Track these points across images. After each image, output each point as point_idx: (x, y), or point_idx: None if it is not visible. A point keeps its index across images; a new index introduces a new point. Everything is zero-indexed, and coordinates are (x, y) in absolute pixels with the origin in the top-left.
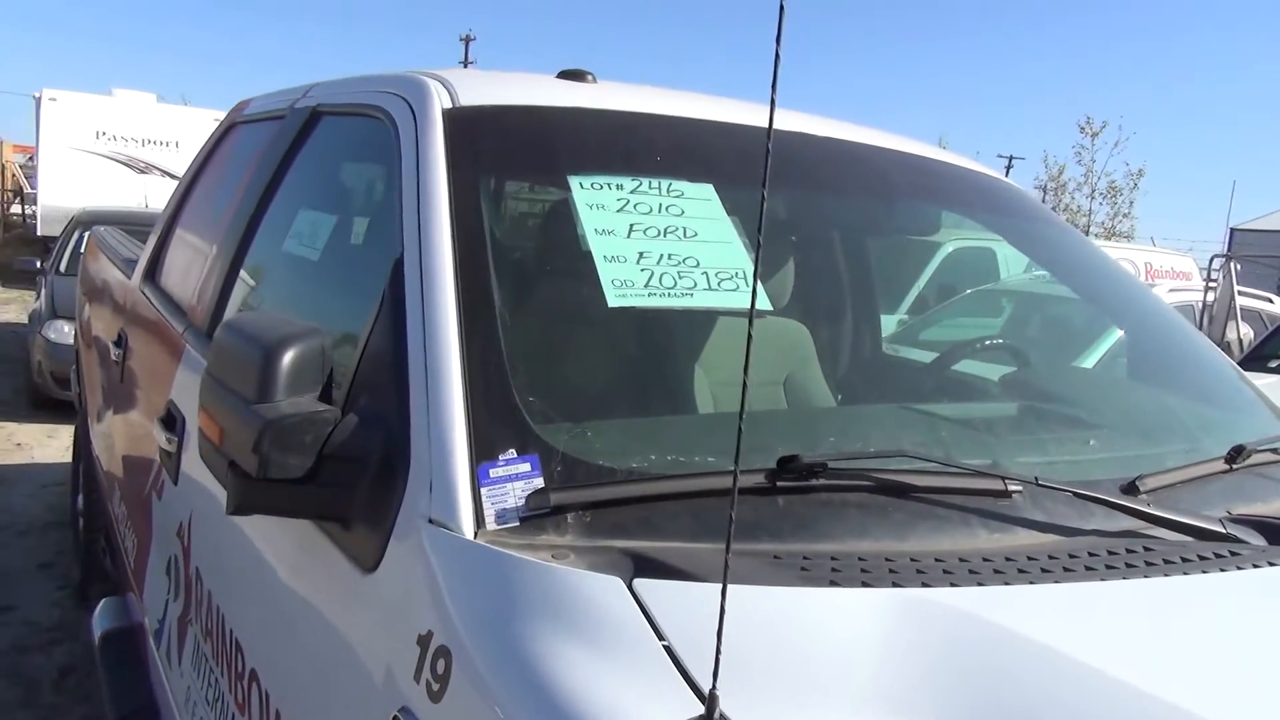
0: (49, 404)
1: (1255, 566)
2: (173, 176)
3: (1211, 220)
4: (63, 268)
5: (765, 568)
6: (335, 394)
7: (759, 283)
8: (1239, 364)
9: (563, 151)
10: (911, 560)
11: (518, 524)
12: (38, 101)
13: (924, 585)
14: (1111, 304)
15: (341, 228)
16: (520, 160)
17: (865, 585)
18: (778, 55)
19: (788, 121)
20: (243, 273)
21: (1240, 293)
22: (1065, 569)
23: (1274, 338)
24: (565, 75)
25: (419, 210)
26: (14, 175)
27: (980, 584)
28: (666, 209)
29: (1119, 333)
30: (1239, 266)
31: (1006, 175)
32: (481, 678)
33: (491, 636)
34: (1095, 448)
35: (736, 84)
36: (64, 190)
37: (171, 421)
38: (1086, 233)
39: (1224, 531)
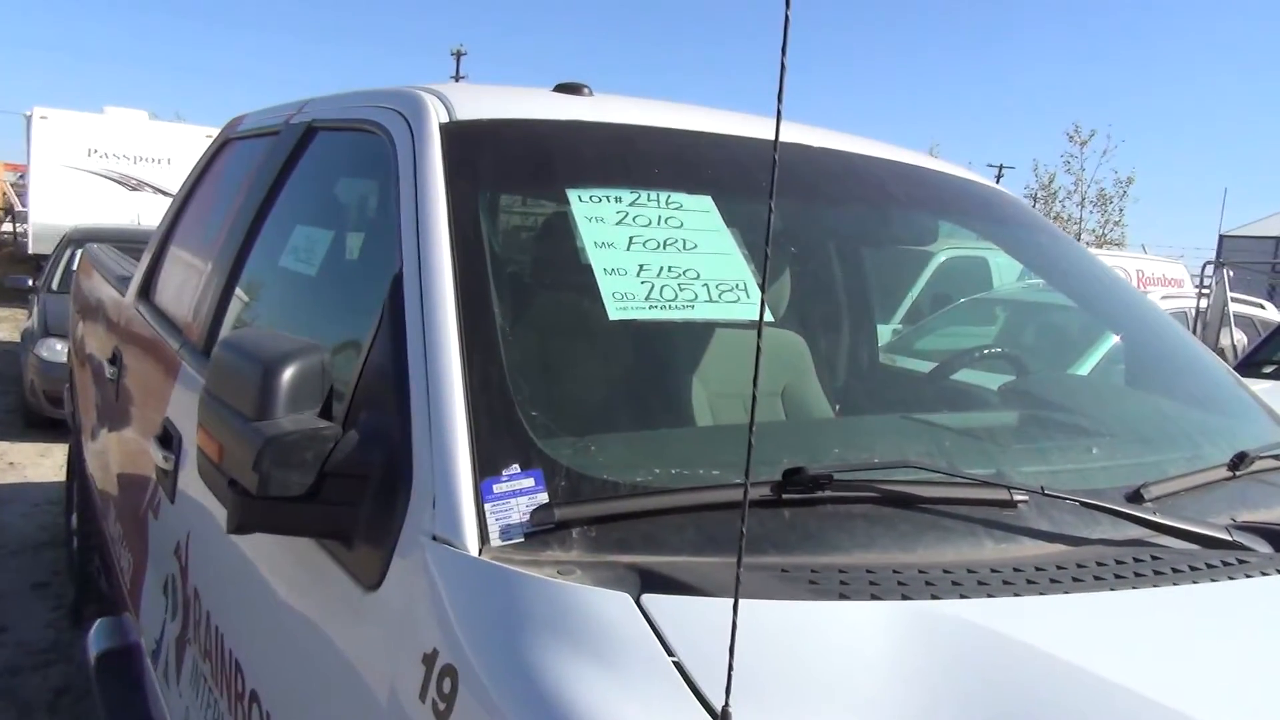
0: (42, 423)
1: (1264, 574)
2: (165, 193)
3: (1203, 227)
4: (55, 286)
5: (773, 581)
6: (335, 410)
7: (765, 294)
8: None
9: (560, 165)
10: (920, 572)
11: (522, 540)
12: (29, 120)
13: (933, 597)
14: (1108, 311)
15: (338, 243)
16: (518, 174)
17: (874, 598)
18: (783, 66)
19: (784, 133)
20: (239, 289)
21: (1233, 299)
22: (1074, 579)
23: (1268, 343)
24: (561, 89)
25: (418, 225)
26: (5, 193)
27: (989, 595)
28: (665, 221)
29: (1114, 339)
30: (1232, 273)
31: (997, 184)
32: (489, 696)
33: (498, 654)
34: (1098, 456)
35: (727, 96)
36: (56, 208)
37: (168, 439)
38: (1078, 241)
39: (1230, 539)
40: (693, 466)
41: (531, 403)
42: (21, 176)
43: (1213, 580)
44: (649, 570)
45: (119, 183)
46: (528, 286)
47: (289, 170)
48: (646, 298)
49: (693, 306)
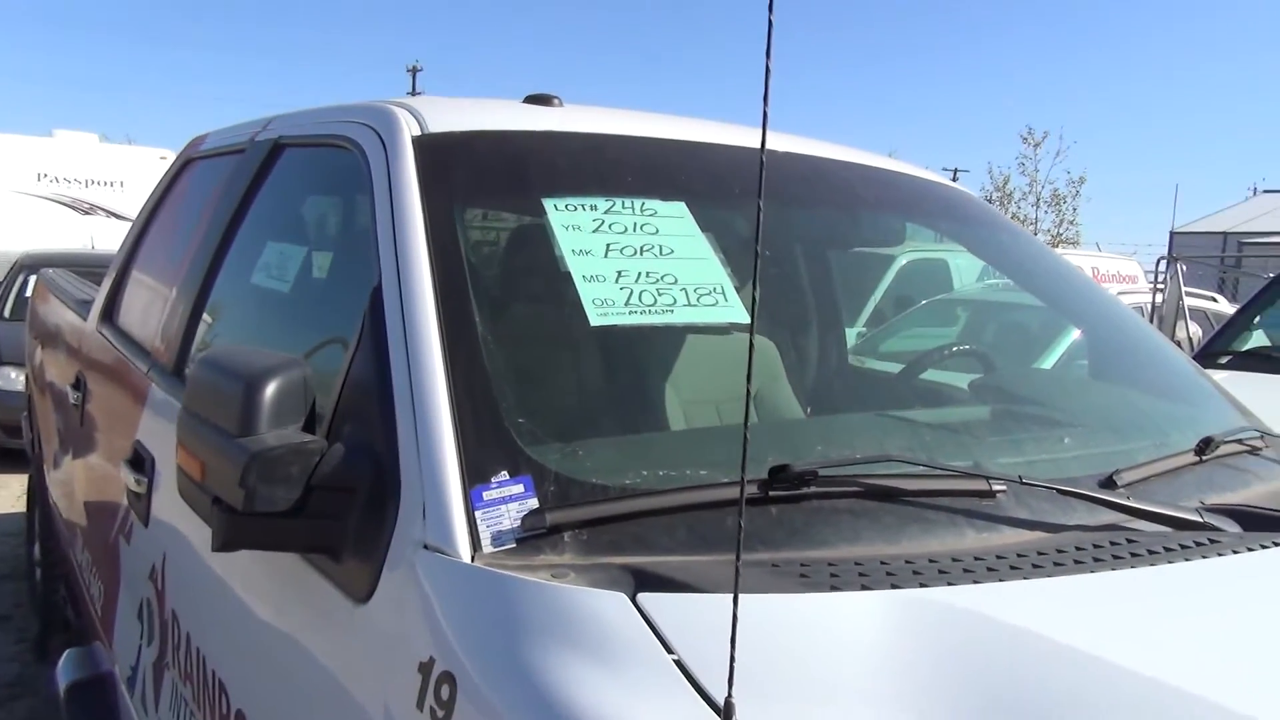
0: None
1: (1234, 553)
2: (119, 217)
3: (1155, 224)
4: (6, 313)
5: (765, 576)
6: (318, 425)
7: (741, 297)
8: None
9: (536, 175)
10: (906, 562)
11: (514, 545)
12: None
13: (921, 585)
14: (1071, 305)
15: (311, 259)
16: (494, 185)
17: (865, 589)
18: (768, 69)
19: (750, 139)
20: (209, 308)
21: (1187, 293)
22: (1055, 564)
23: (1222, 335)
24: (532, 100)
25: (395, 238)
26: None
27: (975, 581)
28: (641, 227)
29: (1075, 333)
30: (1185, 268)
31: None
32: (488, 702)
33: (496, 658)
34: (1070, 445)
35: (684, 104)
36: (5, 234)
37: (139, 462)
38: None
39: (1201, 521)
40: (680, 468)
41: (517, 410)
42: None
43: (1186, 560)
44: (643, 570)
45: (70, 207)
46: (509, 295)
47: (256, 188)
48: (626, 303)
49: (672, 311)
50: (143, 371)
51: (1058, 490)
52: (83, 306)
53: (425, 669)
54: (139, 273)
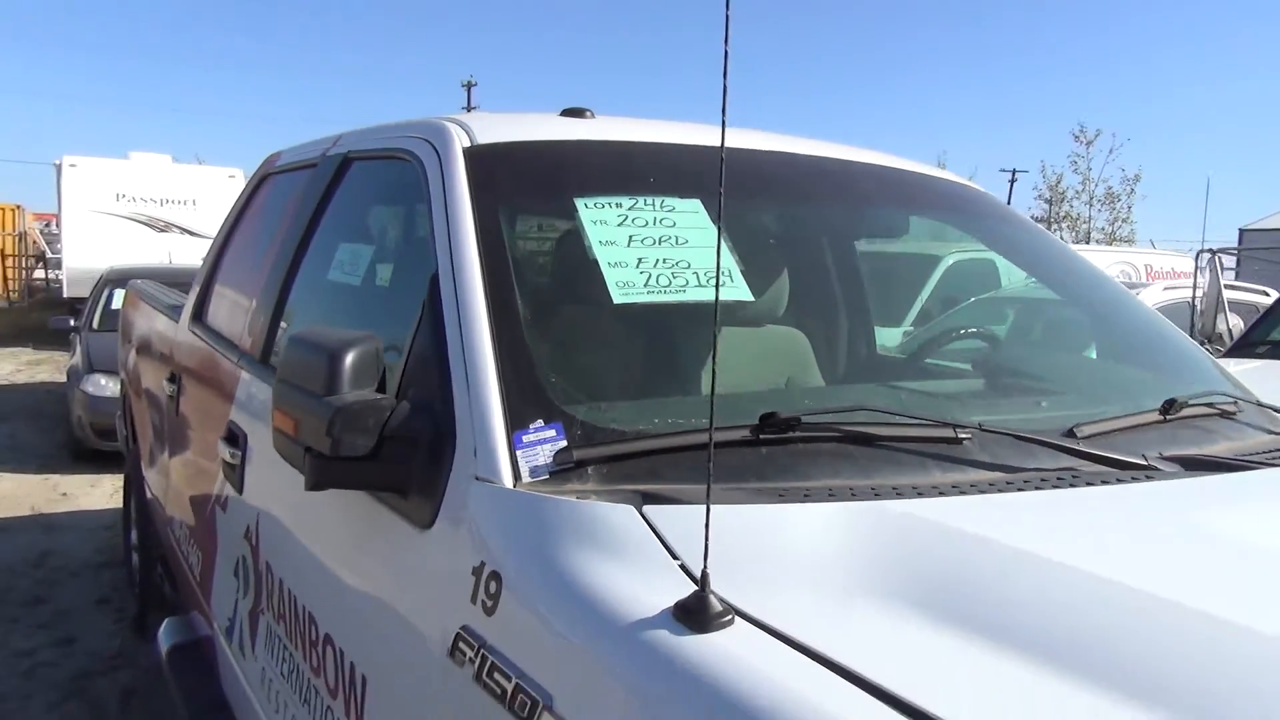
0: (89, 455)
1: (1169, 479)
2: (192, 233)
3: (1217, 222)
4: (95, 324)
5: (749, 495)
6: (389, 388)
7: (742, 278)
8: (1228, 351)
9: (569, 178)
10: (873, 490)
11: (548, 477)
12: (58, 169)
13: (880, 499)
14: (1070, 287)
15: (379, 255)
16: (533, 187)
17: (832, 500)
18: (727, 68)
19: (776, 144)
20: (290, 303)
21: (1234, 286)
22: (1004, 488)
23: (1260, 324)
24: (567, 113)
25: (449, 234)
26: (36, 241)
27: (930, 500)
28: (660, 221)
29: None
30: (1224, 260)
31: (1010, 190)
32: (526, 590)
33: (533, 557)
34: (1046, 408)
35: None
36: (88, 252)
37: (234, 438)
38: (1087, 240)
39: (1146, 464)
40: (683, 418)
41: (550, 372)
42: (48, 225)
43: (1122, 484)
44: (648, 492)
45: (147, 224)
46: (545, 279)
47: (329, 196)
48: (645, 284)
49: (684, 291)
50: (233, 361)
51: (1016, 436)
52: (173, 311)
53: (477, 571)
54: (224, 277)
